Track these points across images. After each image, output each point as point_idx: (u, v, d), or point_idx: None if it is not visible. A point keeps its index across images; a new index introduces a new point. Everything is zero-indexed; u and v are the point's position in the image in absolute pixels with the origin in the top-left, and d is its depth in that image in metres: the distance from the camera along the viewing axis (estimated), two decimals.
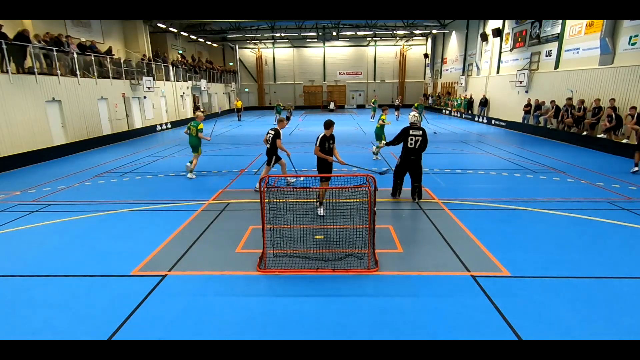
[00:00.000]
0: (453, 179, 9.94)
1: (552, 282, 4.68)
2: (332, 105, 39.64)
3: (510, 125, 21.35)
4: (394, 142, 7.97)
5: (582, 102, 15.27)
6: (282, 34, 36.51)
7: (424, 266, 5.14)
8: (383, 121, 12.81)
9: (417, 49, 41.56)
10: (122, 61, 20.06)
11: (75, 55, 15.92)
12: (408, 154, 7.75)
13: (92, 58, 17.30)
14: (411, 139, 7.67)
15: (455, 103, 30.57)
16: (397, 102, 30.83)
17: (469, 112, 27.68)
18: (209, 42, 38.19)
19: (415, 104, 24.00)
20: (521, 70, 20.72)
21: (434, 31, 34.68)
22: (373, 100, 28.56)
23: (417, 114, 7.90)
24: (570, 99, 16.29)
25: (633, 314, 4.01)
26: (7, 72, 12.37)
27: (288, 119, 24.07)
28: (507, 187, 9.16)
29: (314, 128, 22.86)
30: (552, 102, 17.57)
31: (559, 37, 17.78)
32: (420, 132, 7.67)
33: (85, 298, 4.46)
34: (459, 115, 29.14)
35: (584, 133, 15.02)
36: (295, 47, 41.92)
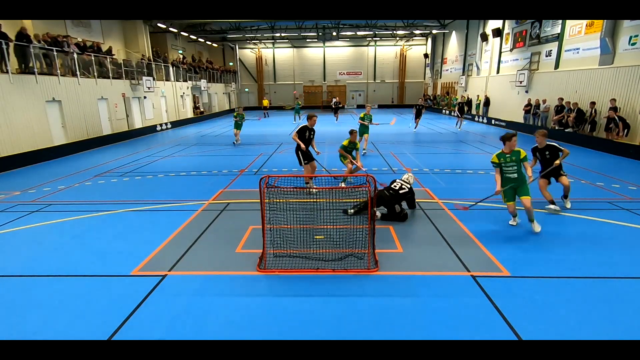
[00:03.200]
0: (453, 179, 9.93)
1: (552, 282, 4.68)
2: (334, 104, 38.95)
3: (510, 125, 21.35)
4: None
5: (593, 104, 15.05)
6: (282, 34, 36.52)
7: (424, 266, 5.13)
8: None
9: (417, 49, 41.57)
10: (121, 61, 20.06)
11: (75, 56, 15.92)
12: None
13: (92, 58, 17.31)
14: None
15: (454, 103, 30.55)
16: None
17: (469, 112, 27.68)
18: (209, 42, 38.20)
19: (362, 115, 13.89)
20: (521, 70, 20.73)
21: (434, 31, 34.69)
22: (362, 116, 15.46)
23: (410, 176, 7.28)
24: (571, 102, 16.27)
25: (633, 314, 4.01)
26: (7, 72, 12.38)
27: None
28: None
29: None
30: (575, 104, 16.06)
31: (559, 37, 17.78)
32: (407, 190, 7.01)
33: (85, 298, 4.46)
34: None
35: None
36: (295, 47, 41.92)
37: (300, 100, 35.23)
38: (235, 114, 16.91)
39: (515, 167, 6.05)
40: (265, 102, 34.29)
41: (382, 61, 42.39)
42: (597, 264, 5.12)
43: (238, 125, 16.68)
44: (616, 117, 13.32)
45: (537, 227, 6.10)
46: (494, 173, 6.44)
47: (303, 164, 8.44)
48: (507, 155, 6.09)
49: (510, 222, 6.55)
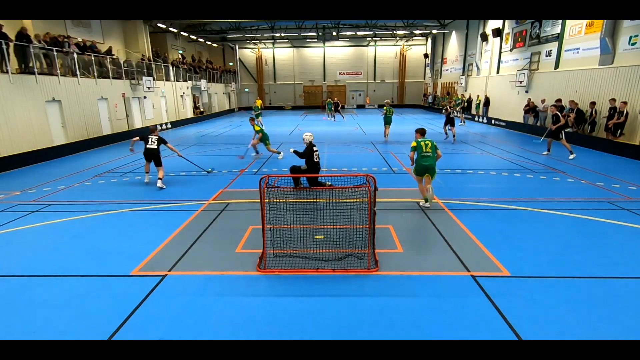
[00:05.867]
0: (453, 179, 9.94)
1: (552, 282, 4.68)
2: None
3: (510, 125, 21.35)
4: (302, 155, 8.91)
5: (594, 104, 14.93)
6: (282, 34, 36.51)
7: (424, 266, 5.14)
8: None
9: (417, 49, 41.57)
10: (122, 61, 20.06)
11: (75, 56, 15.92)
12: (316, 166, 8.89)
13: (92, 58, 17.30)
14: (316, 155, 8.87)
15: (455, 102, 30.58)
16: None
17: (469, 112, 27.68)
18: (209, 42, 38.19)
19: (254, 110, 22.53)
20: (521, 70, 20.73)
21: (434, 31, 34.69)
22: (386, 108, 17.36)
23: (312, 134, 9.19)
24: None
25: (633, 314, 4.01)
26: (7, 72, 12.37)
27: None
28: (507, 187, 9.15)
29: (311, 128, 22.89)
30: (575, 103, 15.73)
31: (559, 37, 17.78)
32: (317, 147, 9.02)
33: (85, 298, 4.46)
34: (458, 115, 29.13)
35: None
36: (295, 47, 41.92)
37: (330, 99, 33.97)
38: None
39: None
40: (259, 103, 32.87)
41: (382, 61, 42.39)
42: (597, 264, 5.13)
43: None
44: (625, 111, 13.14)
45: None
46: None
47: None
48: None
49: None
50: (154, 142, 9.89)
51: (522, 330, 3.76)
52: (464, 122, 24.47)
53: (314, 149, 8.81)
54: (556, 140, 12.60)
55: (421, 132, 7.82)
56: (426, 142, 7.39)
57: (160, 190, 9.19)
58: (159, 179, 9.47)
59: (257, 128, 12.72)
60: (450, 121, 16.65)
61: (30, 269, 5.24)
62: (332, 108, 28.34)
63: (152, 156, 9.79)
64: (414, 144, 7.53)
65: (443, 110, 19.48)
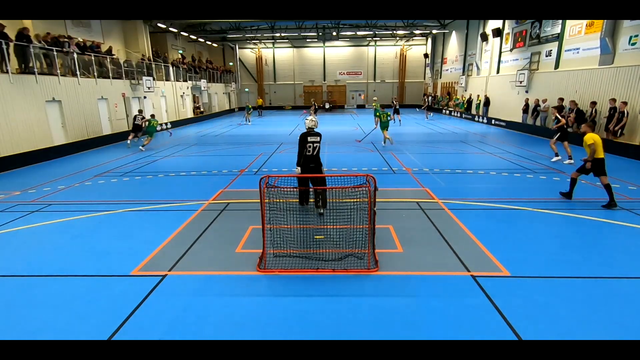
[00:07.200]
0: (453, 179, 9.94)
1: (552, 282, 4.68)
2: (327, 105, 40.10)
3: (510, 125, 21.36)
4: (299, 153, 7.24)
5: (594, 103, 14.87)
6: (282, 34, 36.52)
7: (424, 266, 5.14)
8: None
9: (417, 49, 41.56)
10: (122, 61, 20.06)
11: (75, 56, 15.92)
12: (307, 162, 7.16)
13: (92, 58, 17.30)
14: (309, 146, 7.10)
15: (456, 103, 30.62)
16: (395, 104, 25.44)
17: (469, 112, 27.70)
18: (209, 42, 38.20)
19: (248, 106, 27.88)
20: (521, 70, 20.73)
21: (434, 31, 34.69)
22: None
23: (314, 119, 7.34)
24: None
25: (633, 314, 4.01)
26: (7, 72, 12.37)
27: None
28: (507, 187, 9.16)
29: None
30: (574, 102, 15.74)
31: (559, 37, 17.78)
32: (318, 138, 7.20)
33: (85, 298, 4.46)
34: (458, 115, 29.16)
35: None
36: (295, 47, 41.92)
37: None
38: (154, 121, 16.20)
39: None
40: (260, 102, 36.17)
41: (382, 61, 42.38)
42: (597, 264, 5.13)
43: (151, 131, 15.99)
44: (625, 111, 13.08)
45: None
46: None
47: None
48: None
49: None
50: (139, 120, 16.16)
51: (522, 330, 3.76)
52: (428, 117, 28.85)
53: (309, 138, 7.07)
54: (561, 141, 12.04)
55: (382, 106, 15.16)
56: (385, 113, 15.11)
57: (160, 190, 9.20)
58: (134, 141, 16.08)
59: (154, 123, 16.10)
60: (396, 111, 24.35)
61: (30, 269, 5.24)
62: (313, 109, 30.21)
63: (137, 129, 16.11)
64: (377, 113, 15.20)
65: (393, 103, 25.93)
